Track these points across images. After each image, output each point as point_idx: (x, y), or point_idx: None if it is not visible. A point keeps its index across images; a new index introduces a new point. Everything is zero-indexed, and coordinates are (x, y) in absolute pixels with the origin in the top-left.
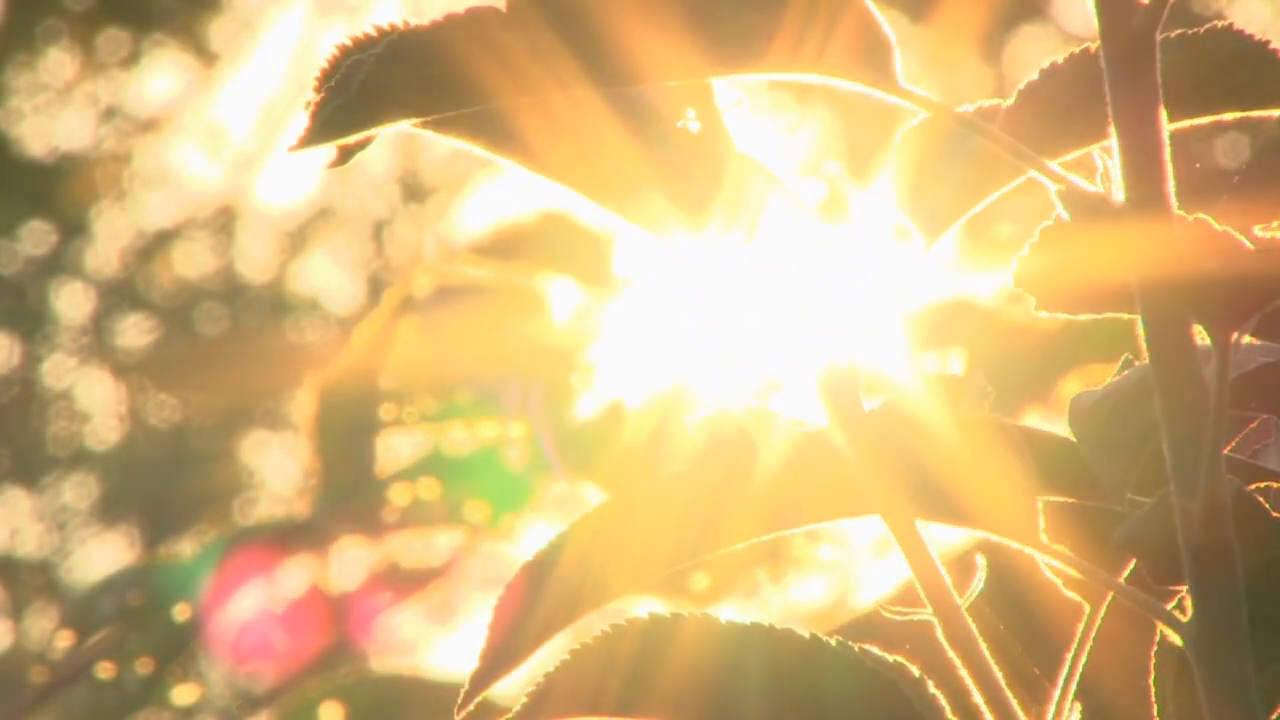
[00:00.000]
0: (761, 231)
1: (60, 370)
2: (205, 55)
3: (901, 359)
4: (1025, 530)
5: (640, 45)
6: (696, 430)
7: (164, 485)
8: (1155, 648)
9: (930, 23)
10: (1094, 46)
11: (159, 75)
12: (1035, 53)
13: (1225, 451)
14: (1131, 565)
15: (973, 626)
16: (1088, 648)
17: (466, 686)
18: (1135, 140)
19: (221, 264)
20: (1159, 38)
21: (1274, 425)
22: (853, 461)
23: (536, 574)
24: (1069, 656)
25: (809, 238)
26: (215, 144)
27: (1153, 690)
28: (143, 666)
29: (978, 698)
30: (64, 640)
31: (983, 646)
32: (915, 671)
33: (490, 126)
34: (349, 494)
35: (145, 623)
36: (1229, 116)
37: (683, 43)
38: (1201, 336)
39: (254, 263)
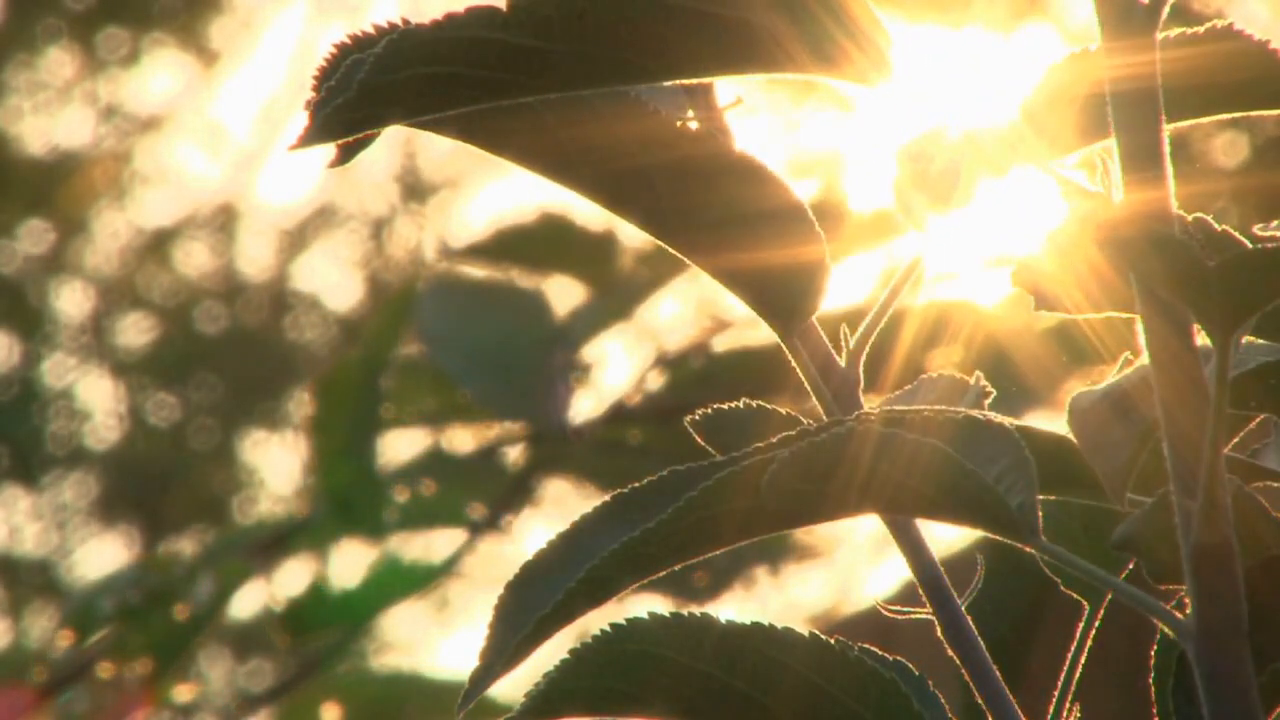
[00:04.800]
0: (760, 229)
1: (60, 370)
2: (205, 55)
3: (901, 356)
4: (1025, 529)
5: (640, 44)
6: (695, 428)
7: (164, 485)
8: (1155, 647)
9: (930, 22)
10: (1094, 46)
11: (159, 74)
12: (1036, 52)
13: (1225, 451)
14: (1131, 564)
15: (973, 626)
16: (1088, 647)
17: (466, 686)
18: (1135, 140)
19: (221, 263)
20: (1159, 38)
21: (1274, 425)
22: (852, 459)
23: (536, 573)
24: (1069, 656)
25: (808, 234)
26: (215, 143)
27: (1153, 690)
28: (143, 666)
29: (978, 697)
30: (64, 640)
31: (982, 646)
32: (915, 671)
33: (490, 125)
34: (349, 494)
35: (145, 623)
36: (1229, 116)
37: (683, 42)
38: (1201, 336)
39: (254, 261)
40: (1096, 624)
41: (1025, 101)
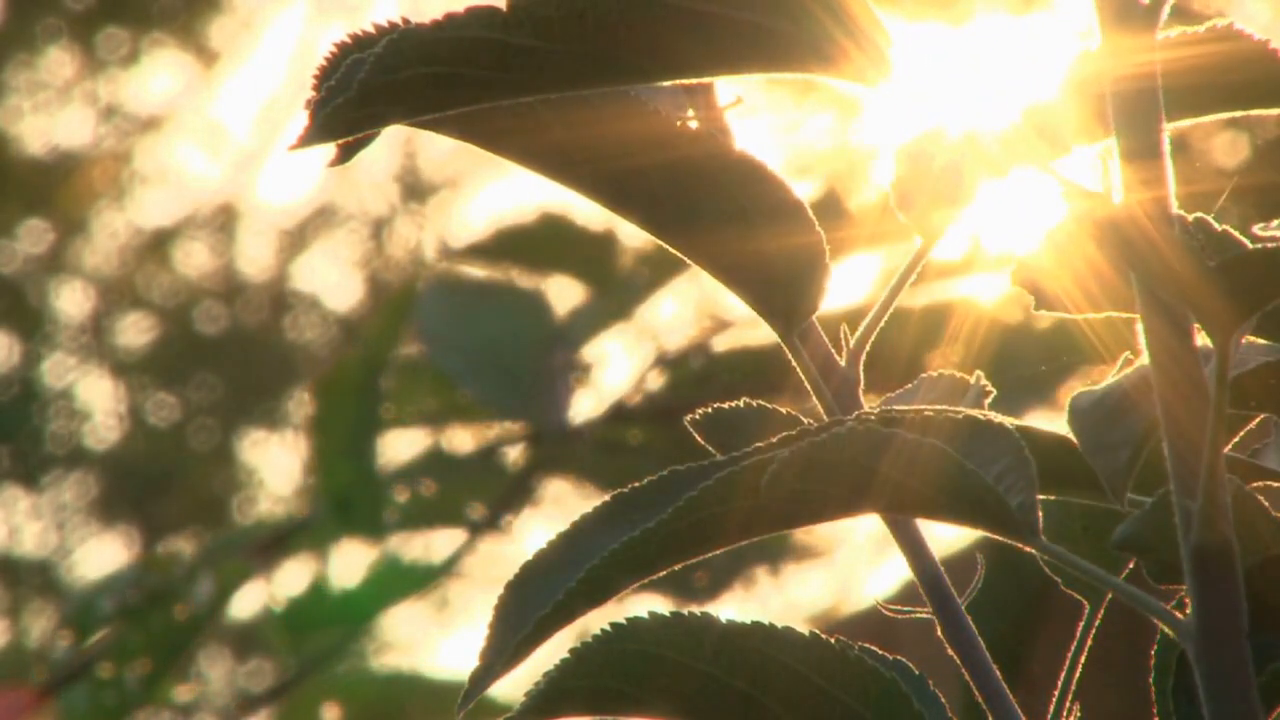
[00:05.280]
0: (760, 228)
1: (60, 370)
2: (205, 55)
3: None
4: (1025, 529)
5: (640, 44)
6: (695, 428)
7: (164, 485)
8: (1155, 647)
9: (930, 21)
10: (1095, 46)
11: (159, 74)
12: (1035, 51)
13: (1225, 451)
14: (1131, 564)
15: (973, 626)
16: (1088, 647)
17: (466, 686)
18: (1135, 140)
19: (221, 263)
20: (1159, 37)
21: (1274, 425)
22: (852, 459)
23: (536, 573)
24: (1069, 656)
25: (808, 233)
26: (215, 143)
27: (1153, 690)
28: (143, 666)
29: (978, 697)
30: (64, 640)
31: (983, 646)
32: (915, 670)
33: (490, 125)
34: (349, 494)
35: (145, 623)
36: (1229, 116)
37: (683, 42)
38: (1201, 336)
39: (254, 261)
40: (1096, 624)
41: (1026, 101)
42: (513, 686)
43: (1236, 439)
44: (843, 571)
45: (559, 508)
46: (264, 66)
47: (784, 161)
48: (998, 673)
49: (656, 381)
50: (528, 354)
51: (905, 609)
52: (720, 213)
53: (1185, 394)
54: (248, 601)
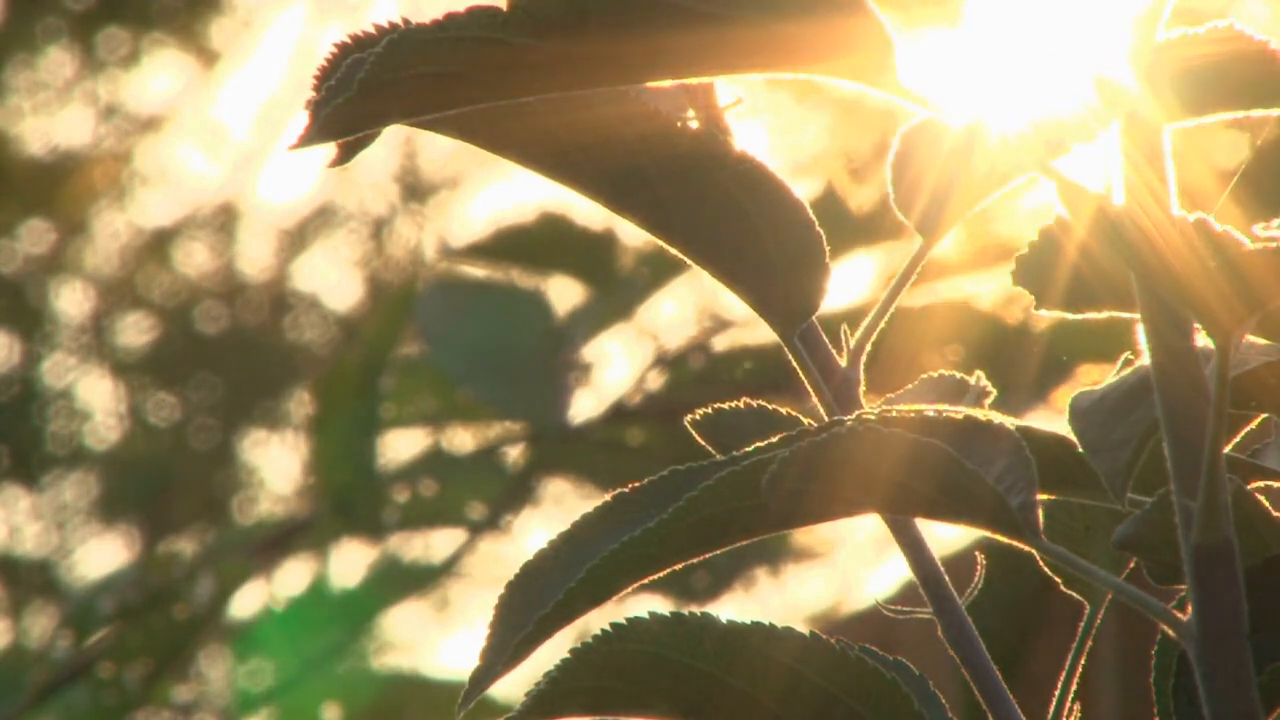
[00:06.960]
0: (760, 228)
1: (60, 370)
2: (205, 55)
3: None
4: (1025, 529)
5: (640, 44)
6: (695, 428)
7: (164, 485)
8: (1155, 647)
9: (930, 21)
10: (1096, 46)
11: (159, 74)
12: (1035, 49)
13: (1225, 451)
14: (1132, 564)
15: (973, 626)
16: (1088, 647)
17: (467, 686)
18: (1135, 140)
19: (221, 263)
20: (1160, 37)
21: (1274, 425)
22: (852, 459)
23: (536, 573)
24: (1069, 656)
25: (809, 233)
26: (215, 143)
27: (1153, 690)
28: (143, 666)
29: (978, 697)
30: (64, 640)
31: (983, 646)
32: (916, 671)
33: (490, 125)
34: (349, 494)
35: (145, 623)
36: (1229, 116)
37: (683, 42)
38: (1202, 336)
39: (254, 262)
40: (1097, 624)
41: (1026, 101)
42: (513, 686)
43: (1237, 439)
44: (843, 571)
45: (559, 508)
46: (264, 66)
47: (784, 161)
48: (998, 673)
49: (656, 381)
50: (528, 354)
51: (905, 609)
52: (720, 213)
53: (1185, 394)
54: (248, 601)
